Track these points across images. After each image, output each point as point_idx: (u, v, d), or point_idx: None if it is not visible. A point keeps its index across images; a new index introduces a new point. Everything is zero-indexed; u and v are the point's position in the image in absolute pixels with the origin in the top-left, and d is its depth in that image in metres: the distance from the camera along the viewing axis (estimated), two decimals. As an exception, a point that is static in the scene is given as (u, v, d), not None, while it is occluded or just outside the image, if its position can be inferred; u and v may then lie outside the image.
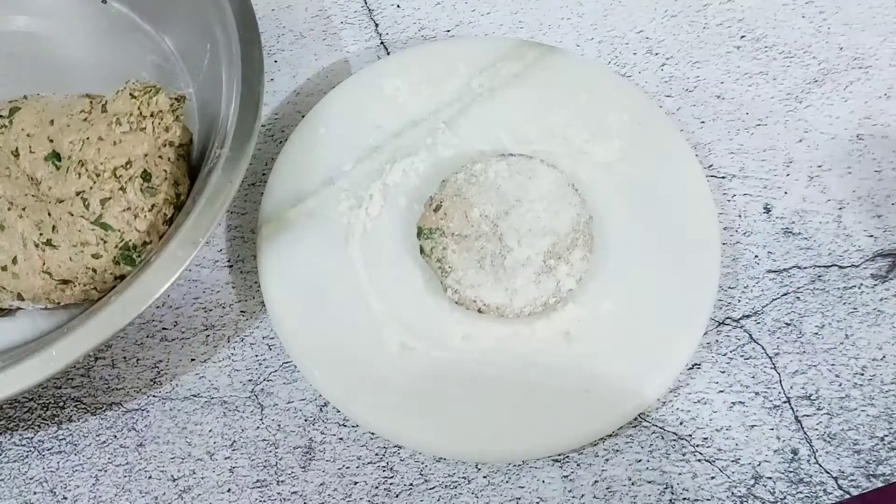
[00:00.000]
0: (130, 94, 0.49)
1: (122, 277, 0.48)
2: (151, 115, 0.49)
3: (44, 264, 0.47)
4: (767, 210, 0.53)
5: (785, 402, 0.49)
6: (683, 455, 0.48)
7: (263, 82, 0.49)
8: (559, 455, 0.48)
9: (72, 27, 0.58)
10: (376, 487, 0.48)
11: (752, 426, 0.48)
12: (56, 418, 0.51)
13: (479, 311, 0.48)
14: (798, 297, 0.51)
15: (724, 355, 0.50)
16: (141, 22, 0.57)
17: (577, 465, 0.48)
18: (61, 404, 0.51)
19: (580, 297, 0.49)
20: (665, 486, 0.47)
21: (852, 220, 0.52)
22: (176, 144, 0.49)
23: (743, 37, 0.58)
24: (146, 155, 0.48)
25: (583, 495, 0.47)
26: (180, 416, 0.50)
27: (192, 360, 0.51)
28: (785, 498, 0.47)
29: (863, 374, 0.49)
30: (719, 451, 0.48)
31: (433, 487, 0.48)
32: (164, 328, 0.52)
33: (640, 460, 0.48)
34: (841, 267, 0.51)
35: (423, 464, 0.49)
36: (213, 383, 0.51)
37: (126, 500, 0.49)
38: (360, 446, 0.49)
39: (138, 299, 0.43)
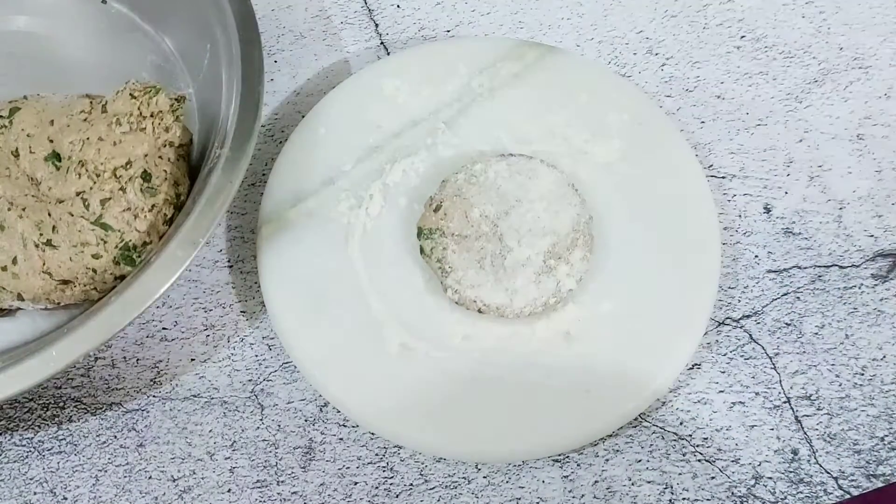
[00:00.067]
0: (130, 94, 0.49)
1: (122, 277, 0.48)
2: (151, 116, 0.49)
3: (44, 264, 0.47)
4: (767, 210, 0.53)
5: (785, 403, 0.49)
6: (683, 455, 0.48)
7: (263, 82, 0.49)
8: (559, 455, 0.48)
9: (72, 27, 0.58)
10: (376, 488, 0.48)
11: (753, 426, 0.48)
12: (56, 418, 0.51)
13: (479, 311, 0.48)
14: (798, 297, 0.51)
15: (724, 355, 0.50)
16: (141, 22, 0.57)
17: (577, 465, 0.48)
18: (61, 404, 0.51)
19: (580, 297, 0.49)
20: (665, 486, 0.47)
21: (852, 220, 0.52)
22: (176, 144, 0.49)
23: (743, 37, 0.58)
24: (146, 155, 0.48)
25: (583, 495, 0.47)
26: (180, 416, 0.50)
27: (192, 360, 0.51)
28: (785, 498, 0.47)
29: (863, 374, 0.49)
30: (719, 451, 0.48)
31: (433, 487, 0.48)
32: (164, 328, 0.52)
33: (640, 460, 0.48)
34: (841, 267, 0.51)
35: (423, 464, 0.49)
36: (213, 383, 0.51)
37: (126, 501, 0.49)
38: (360, 446, 0.49)
39: (138, 299, 0.43)
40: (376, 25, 0.60)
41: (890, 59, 0.57)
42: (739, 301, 0.51)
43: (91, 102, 0.50)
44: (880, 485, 0.47)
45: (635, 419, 0.49)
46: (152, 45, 0.57)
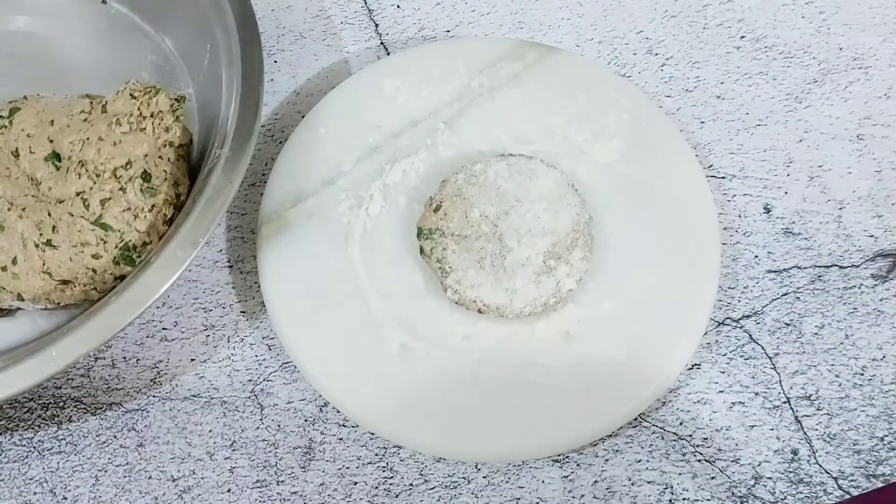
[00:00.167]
0: (130, 94, 0.49)
1: (122, 277, 0.48)
2: (151, 116, 0.49)
3: (44, 265, 0.47)
4: (767, 210, 0.53)
5: (785, 403, 0.49)
6: (683, 455, 0.48)
7: (263, 82, 0.49)
8: (559, 455, 0.48)
9: (72, 27, 0.58)
10: (376, 487, 0.48)
11: (752, 426, 0.48)
12: (56, 418, 0.51)
13: (479, 311, 0.48)
14: (798, 298, 0.51)
15: (724, 355, 0.50)
16: (141, 22, 0.57)
17: (577, 465, 0.48)
18: (61, 404, 0.51)
19: (580, 297, 0.49)
20: (665, 486, 0.47)
21: (852, 220, 0.53)
22: (176, 145, 0.49)
23: (743, 37, 0.58)
24: (146, 155, 0.48)
25: (583, 495, 0.47)
26: (180, 416, 0.50)
27: (192, 360, 0.51)
28: (785, 498, 0.47)
29: (863, 375, 0.49)
30: (719, 451, 0.48)
31: (433, 487, 0.48)
32: (164, 328, 0.52)
33: (639, 460, 0.48)
34: (841, 267, 0.51)
35: (423, 464, 0.49)
36: (213, 383, 0.51)
37: (126, 501, 0.49)
38: (360, 446, 0.49)
39: (138, 299, 0.43)
40: (376, 25, 0.60)
41: (890, 59, 0.57)
42: (739, 301, 0.51)
43: (91, 102, 0.50)
44: (880, 485, 0.47)
45: (635, 419, 0.49)
46: (152, 45, 0.57)
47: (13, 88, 0.53)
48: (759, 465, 0.47)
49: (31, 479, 0.50)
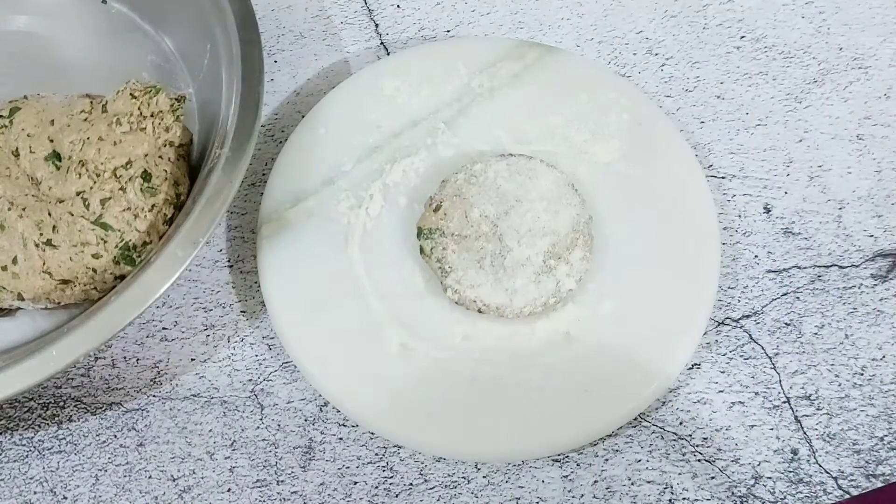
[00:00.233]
0: (131, 94, 0.49)
1: (122, 277, 0.48)
2: (152, 116, 0.49)
3: (44, 264, 0.47)
4: (767, 210, 0.53)
5: (784, 402, 0.49)
6: (683, 455, 0.48)
7: (263, 82, 0.49)
8: (559, 455, 0.48)
9: (72, 27, 0.58)
10: (376, 487, 0.48)
11: (752, 426, 0.48)
12: (56, 418, 0.51)
13: (479, 311, 0.48)
14: (798, 297, 0.51)
15: (724, 355, 0.50)
16: (141, 22, 0.57)
17: (577, 465, 0.48)
18: (61, 404, 0.51)
19: (580, 297, 0.49)
20: (665, 486, 0.47)
21: (852, 220, 0.53)
22: (176, 144, 0.49)
23: (743, 37, 0.58)
24: (146, 155, 0.48)
25: (582, 495, 0.47)
26: (180, 415, 0.50)
27: (192, 360, 0.51)
28: (785, 498, 0.47)
29: (862, 374, 0.49)
30: (719, 451, 0.48)
31: (433, 487, 0.48)
32: (164, 328, 0.52)
33: (639, 460, 0.48)
34: (841, 267, 0.52)
35: (422, 464, 0.49)
36: (213, 383, 0.51)
37: (126, 500, 0.49)
38: (360, 446, 0.49)
39: (138, 299, 0.43)
40: (376, 25, 0.60)
41: (890, 60, 0.57)
42: (739, 301, 0.51)
43: (91, 102, 0.50)
44: (880, 485, 0.47)
45: (635, 419, 0.49)
46: (152, 45, 0.57)
47: (13, 88, 0.53)
48: (758, 464, 0.47)
49: (31, 478, 0.50)
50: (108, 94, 0.50)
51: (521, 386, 0.47)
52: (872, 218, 0.53)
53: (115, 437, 0.50)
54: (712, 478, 0.47)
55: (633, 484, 0.47)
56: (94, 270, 0.47)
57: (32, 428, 0.51)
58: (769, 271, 0.52)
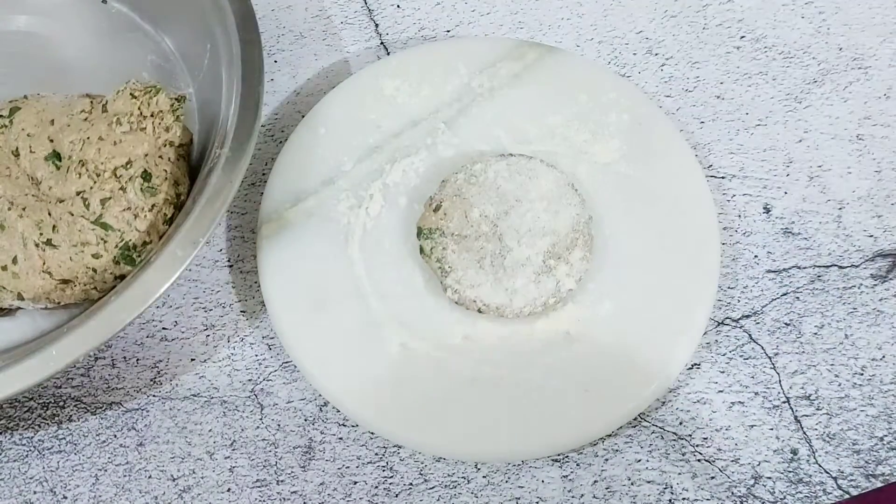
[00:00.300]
0: (131, 94, 0.49)
1: (122, 277, 0.48)
2: (152, 115, 0.49)
3: (44, 264, 0.47)
4: (767, 210, 0.53)
5: (784, 402, 0.49)
6: (683, 455, 0.48)
7: (263, 82, 0.49)
8: (559, 455, 0.48)
9: (72, 27, 0.58)
10: (376, 487, 0.48)
11: (752, 426, 0.48)
12: (56, 418, 0.51)
13: (479, 311, 0.48)
14: (797, 297, 0.51)
15: (724, 355, 0.50)
16: (141, 22, 0.57)
17: (577, 465, 0.48)
18: (61, 404, 0.51)
19: (580, 297, 0.49)
20: (665, 486, 0.47)
21: (852, 220, 0.53)
22: (176, 144, 0.49)
23: (743, 37, 0.58)
24: (146, 155, 0.48)
25: (582, 495, 0.47)
26: (180, 415, 0.50)
27: (192, 360, 0.51)
28: (785, 498, 0.47)
29: (862, 374, 0.49)
30: (719, 451, 0.48)
31: (433, 487, 0.48)
32: (164, 328, 0.52)
33: (639, 460, 0.48)
34: (841, 267, 0.52)
35: (422, 464, 0.49)
36: (213, 383, 0.51)
37: (126, 500, 0.49)
38: (360, 446, 0.49)
39: (138, 299, 0.43)
40: (376, 25, 0.60)
41: (889, 60, 0.57)
42: (739, 301, 0.51)
43: (91, 102, 0.50)
44: (879, 485, 0.47)
45: (635, 419, 0.49)
46: (152, 45, 0.57)
47: (13, 88, 0.53)
48: (758, 464, 0.47)
49: (31, 478, 0.50)
50: (108, 94, 0.50)
51: (521, 386, 0.47)
52: (872, 218, 0.53)
53: (115, 436, 0.50)
54: (712, 478, 0.47)
55: (632, 484, 0.47)
56: (94, 270, 0.47)
57: (32, 428, 0.51)
58: (769, 271, 0.52)
